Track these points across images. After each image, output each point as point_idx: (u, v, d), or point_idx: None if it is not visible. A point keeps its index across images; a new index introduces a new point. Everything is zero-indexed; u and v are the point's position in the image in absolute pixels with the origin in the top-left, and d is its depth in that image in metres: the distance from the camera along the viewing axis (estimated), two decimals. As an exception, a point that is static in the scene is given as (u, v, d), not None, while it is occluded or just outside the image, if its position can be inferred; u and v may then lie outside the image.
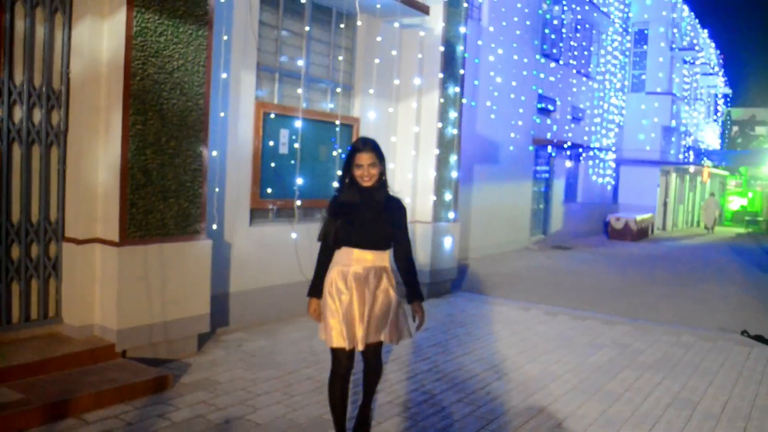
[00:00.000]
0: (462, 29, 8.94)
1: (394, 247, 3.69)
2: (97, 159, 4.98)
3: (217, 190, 5.96)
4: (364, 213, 3.57)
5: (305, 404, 4.55)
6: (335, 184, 3.76)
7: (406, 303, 3.74)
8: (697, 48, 28.08)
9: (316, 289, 3.67)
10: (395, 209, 3.69)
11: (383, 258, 3.62)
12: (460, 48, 8.92)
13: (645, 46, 24.83)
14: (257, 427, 4.12)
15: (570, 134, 18.98)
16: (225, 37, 5.94)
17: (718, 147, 38.10)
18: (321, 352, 5.80)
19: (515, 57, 14.84)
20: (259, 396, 4.66)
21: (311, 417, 4.32)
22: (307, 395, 4.73)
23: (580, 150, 19.75)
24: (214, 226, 5.91)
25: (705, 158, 31.64)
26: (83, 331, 4.98)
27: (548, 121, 17.60)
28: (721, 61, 35.35)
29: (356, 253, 3.56)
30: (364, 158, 3.52)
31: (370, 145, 3.57)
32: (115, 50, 4.86)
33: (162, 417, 4.16)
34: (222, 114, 6.03)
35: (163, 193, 5.10)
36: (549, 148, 17.57)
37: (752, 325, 8.19)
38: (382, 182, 3.64)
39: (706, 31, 30.51)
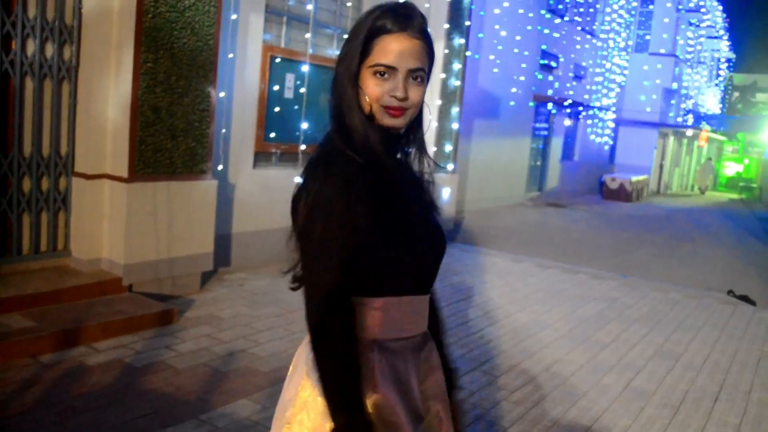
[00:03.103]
0: (470, -20, 8.92)
1: None
2: (107, 95, 5.05)
3: (224, 131, 6.05)
4: (416, 199, 1.61)
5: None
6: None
7: None
8: (703, 10, 27.85)
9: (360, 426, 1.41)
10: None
11: None
12: (467, -1, 8.91)
13: (651, 6, 24.60)
14: (260, 360, 4.31)
15: (571, 92, 18.96)
16: (236, -21, 5.96)
17: (717, 112, 38.05)
18: (320, 293, 5.96)
19: (520, 11, 14.74)
20: (261, 332, 4.84)
21: (311, 353, 4.51)
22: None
23: (580, 108, 19.77)
24: (220, 167, 6.01)
25: (704, 122, 31.65)
26: (91, 264, 5.12)
27: (550, 78, 17.58)
28: (726, 24, 35.04)
29: (420, 305, 1.60)
30: (408, 49, 1.45)
31: (422, 21, 1.49)
32: (127, -13, 4.89)
33: (168, 348, 4.34)
34: (231, 56, 6.07)
35: (171, 132, 5.19)
36: (549, 105, 17.59)
37: (738, 286, 8.42)
38: (419, 121, 1.58)
39: (713, -8, 30.18)
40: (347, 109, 1.49)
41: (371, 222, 1.41)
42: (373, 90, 1.45)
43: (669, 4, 24.43)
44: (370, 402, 1.45)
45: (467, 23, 8.95)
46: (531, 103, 16.33)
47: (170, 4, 5.05)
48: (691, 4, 26.69)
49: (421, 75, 1.47)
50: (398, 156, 1.59)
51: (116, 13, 4.99)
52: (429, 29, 1.51)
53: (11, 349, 3.87)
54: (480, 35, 12.96)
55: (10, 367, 3.77)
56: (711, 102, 35.81)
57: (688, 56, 27.79)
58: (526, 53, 15.40)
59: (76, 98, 5.07)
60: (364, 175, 1.44)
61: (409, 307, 1.54)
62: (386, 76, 1.45)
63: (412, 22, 1.45)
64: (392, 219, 1.46)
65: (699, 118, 30.82)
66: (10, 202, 4.79)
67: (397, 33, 1.44)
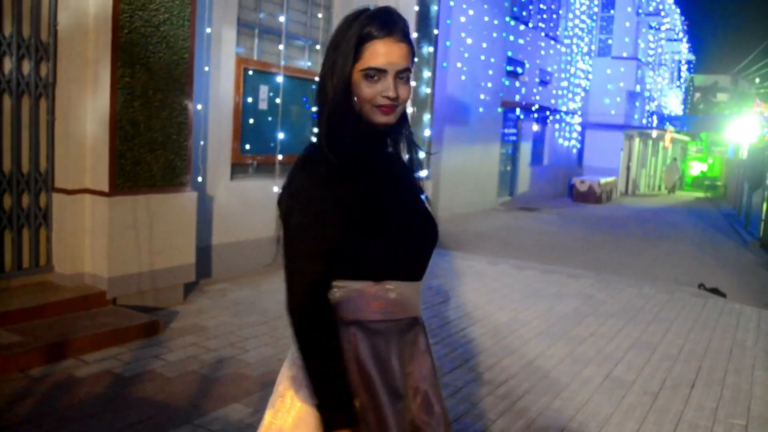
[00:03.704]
0: (436, -10, 9.09)
1: None
2: (85, 111, 5.08)
3: (201, 143, 6.10)
4: (400, 190, 1.69)
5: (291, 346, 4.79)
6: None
7: None
8: (662, 14, 28.51)
9: (342, 405, 1.54)
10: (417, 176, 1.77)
11: None
12: (434, 8, 9.08)
13: (612, 11, 25.15)
14: (248, 366, 4.37)
15: (538, 97, 19.28)
16: (209, -7, 6.04)
17: (680, 113, 38.85)
18: (303, 300, 6.03)
19: (486, 19, 14.99)
20: (247, 339, 4.89)
21: (299, 357, 4.57)
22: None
23: (548, 113, 20.10)
24: (199, 179, 6.06)
25: (668, 123, 32.33)
26: (74, 279, 5.13)
27: (517, 84, 17.86)
28: (685, 27, 35.87)
29: (407, 290, 1.66)
30: (395, 53, 1.57)
31: (405, 25, 1.61)
32: (102, 3, 4.93)
33: (157, 357, 4.38)
34: (206, 69, 6.14)
35: (150, 145, 5.24)
36: (517, 110, 17.87)
37: (708, 280, 8.66)
38: (405, 116, 1.74)
39: (671, -4, 30.91)
40: (340, 114, 1.59)
41: (345, 211, 1.53)
42: (365, 91, 1.57)
43: (629, 9, 24.98)
44: (350, 372, 1.57)
45: (435, 32, 9.12)
46: (499, 109, 16.58)
47: (145, 18, 5.11)
48: (651, 8, 27.31)
49: (407, 75, 1.60)
50: (389, 149, 1.72)
51: (92, 30, 5.03)
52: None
53: (0, 363, 3.87)
54: (447, 43, 13.16)
55: (0, 381, 3.78)
56: (674, 103, 36.57)
57: (650, 59, 28.40)
58: (492, 60, 15.65)
59: (54, 114, 5.09)
60: (340, 170, 1.55)
61: (391, 292, 1.62)
62: (377, 78, 1.56)
63: (396, 26, 1.57)
64: (366, 208, 1.56)
65: (663, 119, 31.49)
66: (-9, 220, 4.79)
67: (384, 38, 1.55)
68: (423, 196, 1.74)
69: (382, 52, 1.55)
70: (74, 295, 4.92)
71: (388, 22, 1.57)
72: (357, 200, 1.55)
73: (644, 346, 5.52)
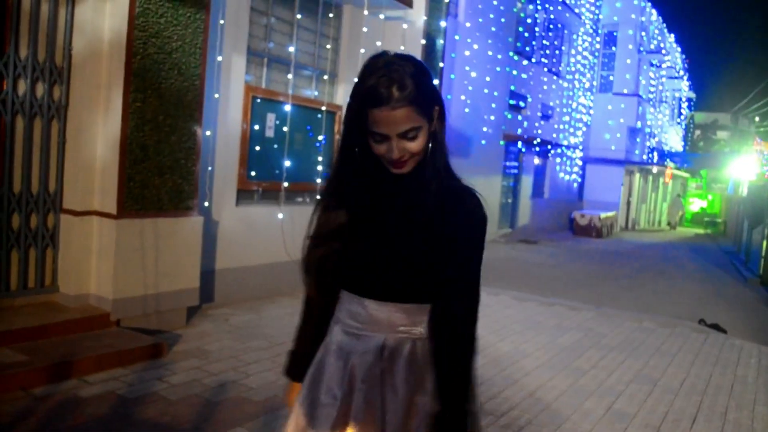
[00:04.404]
0: (442, 24, 9.25)
1: (437, 299, 1.70)
2: (96, 134, 5.16)
3: (209, 168, 6.17)
4: (387, 226, 1.73)
5: (294, 372, 4.80)
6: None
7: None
8: (663, 51, 28.85)
9: (293, 360, 1.95)
10: (457, 217, 1.71)
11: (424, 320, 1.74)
12: (440, 42, 9.23)
13: (614, 48, 25.46)
14: (251, 390, 4.37)
15: (539, 131, 19.45)
16: (221, 21, 6.14)
17: (681, 149, 39.09)
18: (305, 327, 6.05)
19: (490, 53, 15.20)
20: (249, 364, 4.90)
21: (301, 382, 4.58)
22: (295, 364, 4.98)
23: (549, 147, 20.26)
24: (206, 204, 6.12)
25: (668, 159, 32.53)
26: (78, 300, 5.16)
27: (519, 118, 18.03)
28: (686, 65, 36.27)
29: (374, 308, 1.73)
30: (392, 120, 1.61)
31: (404, 88, 1.60)
32: (117, 29, 5.04)
33: (160, 380, 4.38)
34: (216, 96, 6.23)
35: (158, 169, 5.30)
36: (519, 143, 18.01)
37: (708, 315, 8.68)
38: (431, 159, 1.72)
39: (672, 35, 31.29)
40: (341, 159, 1.76)
41: (328, 233, 1.76)
42: (376, 150, 1.68)
43: (631, 46, 25.29)
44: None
45: (440, 65, 9.26)
46: (501, 142, 16.72)
47: (158, 45, 5.20)
48: (652, 46, 27.64)
49: (413, 133, 1.64)
50: (408, 185, 1.73)
51: (105, 55, 5.13)
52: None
53: (4, 382, 3.89)
54: (452, 76, 13.32)
55: (3, 400, 3.79)
56: (674, 140, 36.82)
57: (651, 96, 28.67)
58: (495, 94, 15.82)
59: (65, 136, 5.16)
60: (333, 193, 1.78)
61: (345, 303, 1.78)
62: (381, 140, 1.65)
63: (392, 93, 1.59)
64: (330, 223, 1.76)
65: (663, 155, 31.68)
66: (-1, 239, 4.84)
67: (380, 107, 1.59)
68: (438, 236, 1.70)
69: (380, 120, 1.61)
70: (78, 315, 4.94)
71: (386, 89, 1.60)
72: (327, 214, 1.78)
73: (645, 379, 5.52)
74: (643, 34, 26.27)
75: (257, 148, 7.06)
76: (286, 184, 7.28)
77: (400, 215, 1.71)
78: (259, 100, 7.02)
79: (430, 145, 1.70)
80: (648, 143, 28.97)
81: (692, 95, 40.86)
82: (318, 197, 1.86)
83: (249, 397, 4.26)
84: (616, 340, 6.84)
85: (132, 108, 5.06)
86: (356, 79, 1.67)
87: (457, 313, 1.66)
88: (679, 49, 34.04)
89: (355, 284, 1.76)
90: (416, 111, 1.62)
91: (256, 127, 7.03)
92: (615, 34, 25.37)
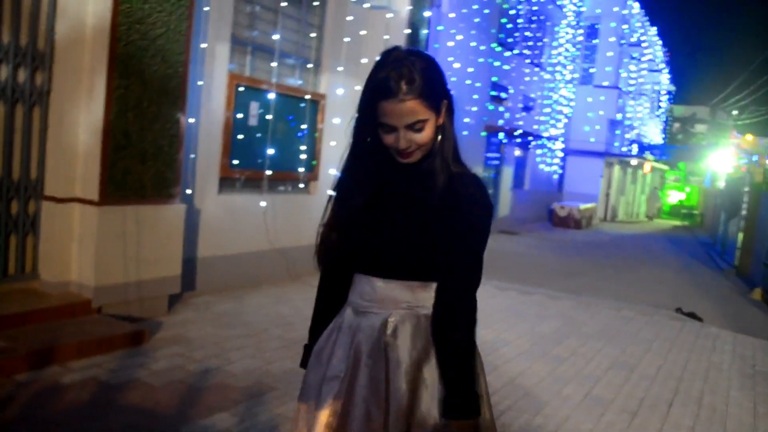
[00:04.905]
0: (426, 14, 9.27)
1: (441, 280, 1.78)
2: (78, 120, 5.12)
3: (191, 156, 6.16)
4: (396, 209, 1.81)
5: (277, 359, 4.83)
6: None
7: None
8: (645, 44, 29.05)
9: (307, 353, 2.01)
10: (464, 204, 1.76)
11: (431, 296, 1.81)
12: (423, 32, 9.25)
13: (595, 40, 25.59)
14: (234, 376, 4.39)
15: (521, 122, 19.53)
16: (206, 8, 6.12)
17: (660, 142, 39.45)
18: (288, 315, 6.08)
19: (473, 44, 15.22)
20: (232, 351, 4.92)
21: (284, 369, 4.61)
22: (278, 351, 5.01)
23: (530, 138, 20.36)
24: (188, 191, 6.11)
25: (647, 152, 32.81)
26: (59, 287, 5.14)
27: (501, 109, 18.09)
28: (666, 59, 36.53)
29: (380, 285, 1.82)
30: (399, 112, 1.70)
31: (412, 82, 1.68)
32: (101, 15, 5.00)
33: (142, 367, 4.39)
34: (199, 83, 6.21)
35: (141, 156, 5.28)
36: (501, 135, 18.09)
37: (685, 305, 8.82)
38: (439, 149, 1.80)
39: (655, 28, 31.49)
40: (353, 146, 1.85)
41: (339, 219, 1.88)
42: (385, 140, 1.77)
43: (612, 39, 25.44)
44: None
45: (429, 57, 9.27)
46: (483, 133, 16.78)
47: (142, 32, 5.17)
48: (633, 39, 27.81)
49: (420, 125, 1.72)
50: (416, 173, 1.80)
51: (89, 40, 5.09)
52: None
53: (-14, 368, 3.88)
54: (434, 66, 13.32)
55: (-14, 385, 3.79)
56: (653, 132, 37.13)
57: (631, 88, 28.87)
58: (477, 85, 15.86)
59: (47, 122, 5.12)
60: (343, 185, 1.88)
61: (355, 285, 1.88)
62: (389, 130, 1.74)
63: (400, 87, 1.68)
64: (343, 210, 1.86)
65: (642, 147, 31.94)
66: (-21, 226, 4.80)
67: (389, 99, 1.69)
68: (443, 220, 1.77)
69: (389, 112, 1.70)
70: (60, 303, 4.92)
71: (395, 82, 1.68)
72: (352, 207, 1.84)
73: (623, 366, 5.62)
74: (625, 26, 26.42)
75: (240, 136, 7.04)
76: (269, 173, 7.28)
77: (407, 201, 1.79)
78: (242, 89, 7.00)
79: (439, 137, 1.79)
80: (628, 135, 29.21)
81: (672, 88, 41.21)
82: (332, 185, 1.93)
83: (232, 383, 4.28)
84: (595, 328, 6.94)
85: (115, 94, 5.03)
86: (370, 74, 1.75)
87: (465, 294, 1.76)
88: (660, 42, 34.28)
89: (364, 265, 1.85)
90: (424, 104, 1.70)
91: (240, 115, 7.01)
92: (597, 26, 25.51)
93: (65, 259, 5.15)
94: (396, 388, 1.73)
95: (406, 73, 1.68)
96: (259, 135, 7.27)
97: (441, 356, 1.76)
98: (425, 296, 1.80)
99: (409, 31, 8.80)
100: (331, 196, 1.92)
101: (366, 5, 8.45)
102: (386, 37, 8.65)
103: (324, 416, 1.76)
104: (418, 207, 1.77)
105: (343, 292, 1.92)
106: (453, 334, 1.75)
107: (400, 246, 1.78)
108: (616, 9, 25.35)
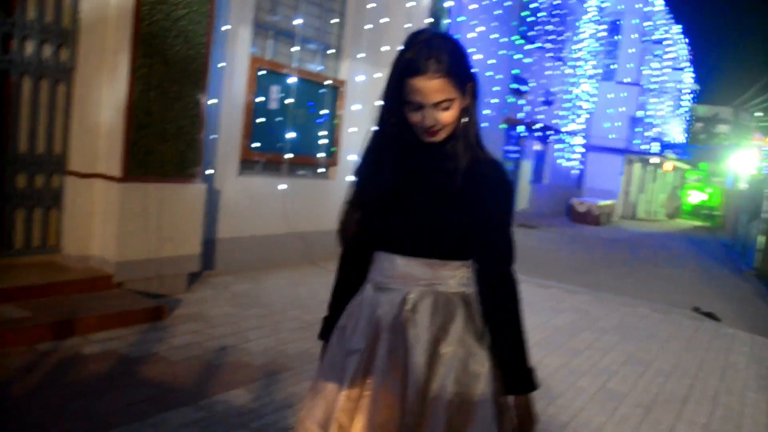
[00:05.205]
0: (447, 3, 9.24)
1: (479, 264, 1.84)
2: (101, 97, 5.18)
3: (212, 137, 6.19)
4: (419, 189, 1.83)
5: (293, 339, 4.86)
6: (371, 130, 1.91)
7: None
8: (668, 42, 28.76)
9: (327, 325, 2.06)
10: (489, 185, 1.81)
11: (460, 274, 1.86)
12: (445, 21, 9.22)
13: (617, 37, 25.39)
14: (251, 354, 4.43)
15: (541, 116, 19.44)
16: (229, -9, 6.15)
17: (682, 141, 39.09)
18: (305, 297, 6.11)
19: (493, 36, 15.16)
20: (249, 330, 4.96)
21: (300, 350, 4.64)
22: (294, 332, 5.04)
23: (550, 132, 20.26)
24: (208, 172, 6.15)
25: (668, 150, 32.52)
26: (81, 261, 5.21)
27: (521, 102, 18.02)
28: (690, 57, 36.15)
29: (400, 263, 1.84)
30: (428, 89, 1.71)
31: (441, 61, 1.71)
32: (125, -7, 5.05)
33: (161, 341, 4.45)
34: (221, 65, 6.24)
35: (162, 135, 5.32)
36: (520, 128, 18.02)
37: (702, 305, 8.75)
38: (463, 132, 1.82)
39: (679, 26, 31.17)
40: (380, 125, 1.85)
41: (355, 187, 1.91)
42: (411, 119, 1.78)
43: (635, 35, 25.22)
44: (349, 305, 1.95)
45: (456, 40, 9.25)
46: (502, 126, 16.72)
47: (165, 12, 5.21)
48: (656, 36, 27.55)
49: (446, 103, 1.74)
50: (440, 154, 1.83)
51: (113, 19, 5.13)
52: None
53: (10, 336, 3.96)
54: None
55: (9, 353, 3.86)
56: (675, 131, 36.79)
57: (653, 86, 28.62)
58: (498, 77, 15.80)
59: (71, 99, 5.18)
60: (366, 166, 1.90)
61: (377, 262, 1.89)
62: (416, 108, 1.75)
63: (429, 65, 1.70)
64: (377, 200, 1.84)
65: (664, 146, 31.66)
66: (4, 198, 4.87)
67: (418, 76, 1.71)
68: (469, 202, 1.80)
69: (416, 89, 1.72)
70: (81, 276, 4.99)
71: (424, 60, 1.70)
72: (377, 188, 1.84)
73: (638, 361, 5.59)
74: (648, 23, 26.18)
75: (261, 119, 7.08)
76: (288, 157, 7.31)
77: (430, 182, 1.82)
78: (263, 72, 7.03)
79: (464, 119, 1.81)
80: (648, 133, 28.96)
81: (696, 87, 40.78)
82: (356, 164, 1.95)
83: (248, 361, 4.32)
84: (611, 323, 6.92)
85: (138, 73, 5.07)
86: (396, 56, 1.78)
87: (504, 272, 1.83)
88: (685, 41, 33.92)
89: (386, 243, 1.86)
90: (450, 83, 1.73)
91: (261, 98, 7.04)
92: (619, 22, 25.30)
93: (87, 234, 5.22)
94: (415, 362, 1.75)
95: (435, 52, 1.70)
96: (279, 119, 7.30)
97: (495, 336, 1.83)
98: (444, 274, 1.83)
99: (430, 20, 8.77)
100: (354, 174, 1.93)
101: (389, -8, 8.44)
102: (407, 25, 8.63)
103: (344, 388, 1.79)
104: (440, 188, 1.80)
105: (363, 269, 1.95)
106: (504, 315, 1.83)
107: (422, 226, 1.80)
108: (638, 5, 25.12)
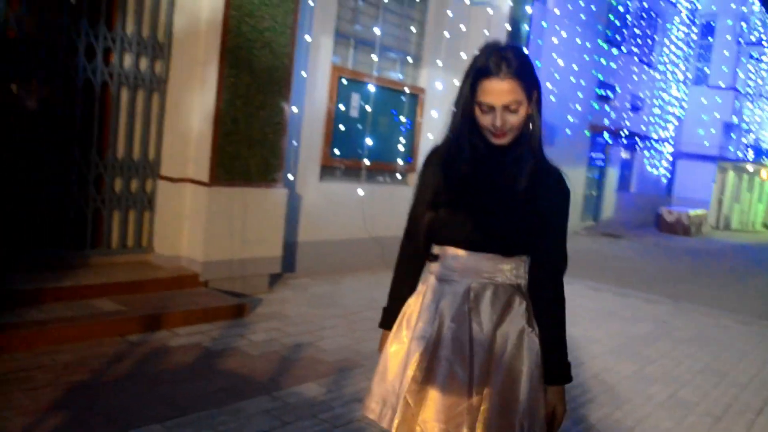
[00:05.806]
0: (528, 9, 9.26)
1: (532, 263, 2.04)
2: (192, 106, 5.53)
3: (294, 143, 6.48)
4: (486, 190, 1.96)
5: (367, 339, 5.05)
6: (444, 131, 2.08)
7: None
8: (765, 43, 27.51)
9: (388, 315, 2.24)
10: (549, 190, 1.98)
11: (517, 268, 2.02)
12: (525, 27, 9.24)
13: (711, 39, 24.50)
14: (325, 352, 4.65)
15: (627, 123, 19.01)
16: (311, 3, 6.42)
17: (781, 147, 37.22)
18: (381, 300, 6.29)
19: (578, 41, 14.99)
20: (325, 329, 5.19)
21: (372, 348, 4.80)
22: (368, 332, 5.23)
23: (637, 139, 19.77)
24: (290, 177, 6.43)
25: (765, 158, 31.07)
26: (170, 260, 5.57)
27: (606, 108, 17.68)
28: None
29: (464, 257, 1.97)
30: (499, 90, 1.85)
31: (511, 65, 1.85)
32: (214, 8, 5.37)
33: (242, 337, 4.72)
34: (303, 74, 6.52)
35: (248, 142, 5.63)
36: (605, 135, 17.68)
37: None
38: (527, 138, 1.96)
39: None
40: (454, 128, 2.00)
41: (425, 188, 2.04)
42: (481, 120, 1.92)
43: (729, 37, 24.28)
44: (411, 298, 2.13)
45: (525, 51, 9.27)
46: (587, 132, 16.47)
47: (251, 24, 5.51)
48: (753, 38, 26.42)
49: (515, 107, 1.88)
50: (506, 157, 1.97)
51: (203, 33, 5.48)
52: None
53: (104, 328, 4.31)
54: (537, 63, 13.24)
55: (103, 343, 4.21)
56: (774, 138, 35.08)
57: (750, 90, 27.44)
58: (582, 83, 15.59)
59: (164, 108, 5.55)
60: (439, 160, 2.02)
61: (441, 257, 2.01)
62: (487, 110, 1.89)
63: (501, 67, 1.85)
64: (438, 189, 1.99)
65: (760, 153, 30.28)
66: (103, 200, 5.28)
67: (491, 77, 1.85)
68: (532, 205, 1.96)
69: (489, 90, 1.86)
70: (170, 275, 5.34)
71: (495, 64, 1.85)
72: (449, 186, 1.98)
73: (714, 372, 5.49)
74: (744, 24, 25.15)
75: (341, 126, 7.33)
76: (367, 163, 7.53)
77: (495, 185, 1.97)
78: (344, 81, 7.28)
79: (529, 126, 1.95)
80: (744, 140, 27.78)
81: (797, 91, 38.75)
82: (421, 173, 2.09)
83: (322, 357, 4.53)
84: (689, 333, 6.78)
85: (226, 83, 5.39)
86: (470, 62, 1.94)
87: (555, 275, 2.06)
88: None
89: (451, 238, 1.99)
90: (520, 86, 1.87)
91: (342, 106, 7.29)
92: (713, 24, 24.41)
93: (177, 235, 5.57)
94: (479, 349, 1.93)
95: (506, 57, 1.86)
96: (359, 126, 7.54)
97: (542, 331, 2.01)
98: (503, 268, 1.98)
99: (509, 27, 8.83)
100: (422, 172, 2.08)
101: (467, 1, 8.56)
102: (486, 32, 8.72)
103: (411, 369, 1.94)
104: (504, 191, 1.95)
105: (422, 263, 2.14)
106: (549, 312, 2.04)
107: (485, 224, 1.95)
108: (733, 6, 24.15)
